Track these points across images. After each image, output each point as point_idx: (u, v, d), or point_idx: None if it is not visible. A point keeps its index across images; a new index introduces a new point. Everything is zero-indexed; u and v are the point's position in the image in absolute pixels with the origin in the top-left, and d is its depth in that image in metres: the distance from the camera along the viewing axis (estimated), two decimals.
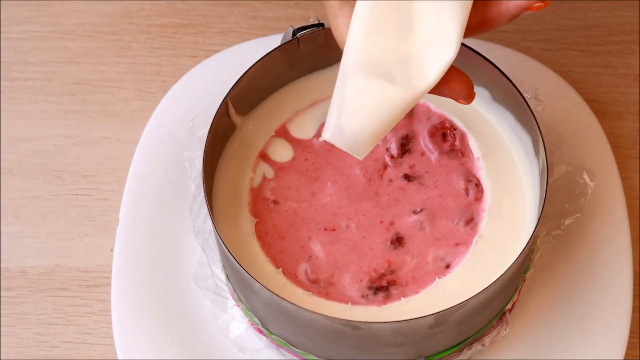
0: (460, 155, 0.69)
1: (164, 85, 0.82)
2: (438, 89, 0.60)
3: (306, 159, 0.69)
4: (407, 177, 0.68)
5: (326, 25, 0.69)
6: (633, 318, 0.70)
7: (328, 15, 0.61)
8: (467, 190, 0.67)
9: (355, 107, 0.59)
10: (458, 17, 0.58)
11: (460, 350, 0.66)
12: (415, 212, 0.67)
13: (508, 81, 0.67)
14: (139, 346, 0.69)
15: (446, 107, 0.70)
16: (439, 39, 0.58)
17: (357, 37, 0.59)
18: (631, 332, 0.70)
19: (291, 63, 0.71)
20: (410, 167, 0.69)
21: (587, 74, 0.82)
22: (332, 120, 0.60)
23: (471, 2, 0.58)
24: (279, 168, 0.69)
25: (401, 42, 0.59)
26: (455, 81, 0.60)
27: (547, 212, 0.69)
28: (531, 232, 0.64)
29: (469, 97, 0.60)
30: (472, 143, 0.69)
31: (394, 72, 0.59)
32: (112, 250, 0.73)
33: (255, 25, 0.84)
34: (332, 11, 0.60)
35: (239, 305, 0.68)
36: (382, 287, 0.65)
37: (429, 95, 0.70)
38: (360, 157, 0.60)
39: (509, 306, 0.67)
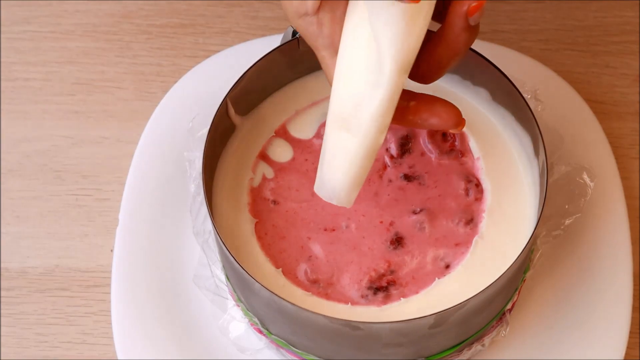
0: (460, 156, 0.69)
1: (164, 85, 0.82)
2: (422, 124, 0.61)
3: (306, 159, 0.69)
4: (407, 177, 0.68)
5: None
6: (633, 318, 0.70)
7: (321, 65, 0.62)
8: (467, 190, 0.67)
9: (329, 160, 0.61)
10: (392, 57, 0.58)
11: (460, 351, 0.66)
12: (415, 213, 0.67)
13: (508, 81, 0.67)
14: (139, 346, 0.69)
15: None
16: (372, 82, 0.59)
17: (333, 89, 0.60)
18: (631, 332, 0.70)
19: (291, 63, 0.71)
20: (410, 168, 0.69)
21: (587, 74, 0.82)
22: (318, 174, 0.62)
23: (415, 48, 0.58)
24: (278, 168, 0.69)
25: (361, 91, 0.60)
26: (439, 112, 0.61)
27: (547, 212, 0.69)
28: (531, 233, 0.64)
29: (458, 124, 0.61)
30: (472, 143, 0.69)
31: (350, 122, 0.60)
32: (112, 251, 0.73)
33: (255, 25, 0.84)
34: (324, 61, 0.62)
35: (238, 306, 0.68)
36: (382, 287, 0.65)
37: None
38: (347, 206, 0.62)
39: (508, 306, 0.67)
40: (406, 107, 0.61)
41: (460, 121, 0.61)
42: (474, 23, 0.58)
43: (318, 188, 0.63)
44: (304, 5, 0.60)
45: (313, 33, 0.61)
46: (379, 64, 0.58)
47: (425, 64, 0.60)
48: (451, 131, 0.61)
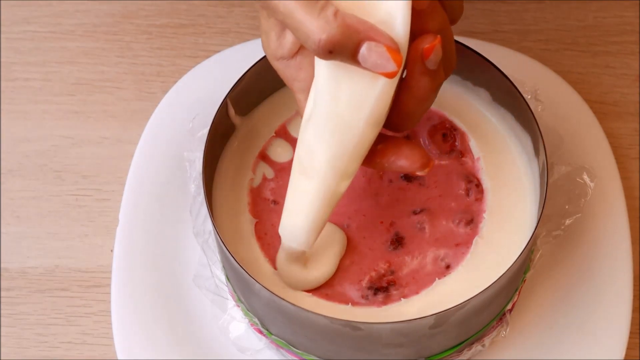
0: (460, 156, 0.69)
1: (164, 85, 0.82)
2: (390, 167, 0.60)
3: None
4: (407, 178, 0.68)
5: None
6: (633, 318, 0.70)
7: (297, 106, 0.62)
8: (467, 190, 0.67)
9: (290, 203, 0.62)
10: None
11: (461, 351, 0.66)
12: (415, 213, 0.67)
13: (508, 81, 0.67)
14: (139, 346, 0.69)
15: (446, 108, 0.70)
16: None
17: (300, 133, 0.60)
18: (631, 332, 0.70)
19: None
20: None
21: (587, 74, 0.82)
22: (282, 215, 0.62)
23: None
24: (279, 168, 0.69)
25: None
26: (406, 155, 0.60)
27: (547, 212, 0.69)
28: (531, 233, 0.64)
29: (425, 166, 0.60)
30: (472, 143, 0.69)
31: (308, 168, 0.60)
32: (112, 251, 0.73)
33: (255, 25, 0.84)
34: (300, 104, 0.61)
35: (238, 306, 0.68)
36: (382, 287, 0.65)
37: None
38: (306, 249, 0.62)
39: (509, 306, 0.67)
40: (374, 150, 0.60)
41: (427, 163, 0.60)
42: (432, 66, 0.57)
43: (281, 229, 0.63)
44: (281, 49, 0.60)
45: (290, 76, 0.61)
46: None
47: (395, 113, 0.59)
48: (418, 173, 0.60)
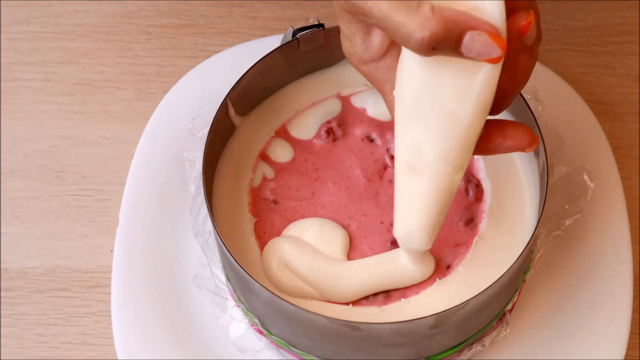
0: None
1: (164, 85, 0.82)
2: (497, 149, 0.59)
3: (306, 160, 0.69)
4: None
5: (326, 27, 0.69)
6: (633, 318, 0.70)
7: (387, 106, 0.61)
8: (467, 190, 0.67)
9: (402, 205, 0.60)
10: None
11: (461, 351, 0.66)
12: None
13: None
14: (139, 346, 0.69)
15: None
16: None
17: (396, 132, 0.59)
18: (631, 332, 0.70)
19: (291, 63, 0.71)
20: None
21: (587, 74, 0.82)
22: (395, 217, 0.61)
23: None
24: (279, 168, 0.69)
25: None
26: (512, 135, 0.59)
27: (547, 212, 0.69)
28: (531, 233, 0.64)
29: (532, 143, 0.59)
30: None
31: (416, 164, 0.58)
32: (112, 251, 0.73)
33: (255, 25, 0.84)
34: (391, 105, 0.60)
35: (238, 306, 0.68)
36: None
37: None
38: (425, 249, 0.61)
39: (509, 307, 0.67)
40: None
41: (533, 140, 0.59)
42: (529, 43, 0.56)
43: (396, 231, 0.61)
44: (368, 52, 0.59)
45: (380, 78, 0.60)
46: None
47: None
48: (526, 151, 0.59)
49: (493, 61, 0.54)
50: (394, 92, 0.58)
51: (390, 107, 0.60)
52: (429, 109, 0.57)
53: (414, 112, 0.57)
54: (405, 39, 0.54)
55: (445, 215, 0.60)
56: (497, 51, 0.54)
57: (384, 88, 0.60)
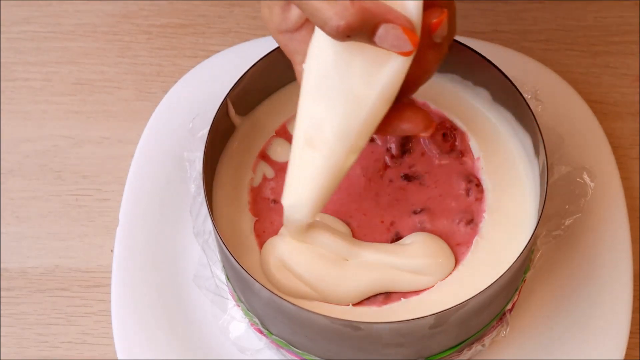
0: (460, 156, 0.69)
1: (164, 85, 0.82)
2: (394, 131, 0.60)
3: None
4: (407, 177, 0.68)
5: None
6: (633, 318, 0.70)
7: (297, 77, 0.62)
8: (467, 190, 0.67)
9: (293, 175, 0.62)
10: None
11: (461, 351, 0.66)
12: (415, 213, 0.67)
13: (508, 81, 0.67)
14: (139, 346, 0.69)
15: (446, 107, 0.70)
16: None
17: (300, 104, 0.60)
18: (631, 332, 0.70)
19: (291, 63, 0.71)
20: (411, 167, 0.69)
21: (587, 74, 0.82)
22: (285, 185, 0.62)
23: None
24: (279, 168, 0.69)
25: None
26: (409, 118, 0.60)
27: (547, 212, 0.69)
28: (531, 233, 0.64)
29: (428, 127, 0.60)
30: (472, 143, 0.69)
31: (314, 138, 0.60)
32: (112, 251, 0.73)
33: (255, 25, 0.84)
34: (300, 75, 0.61)
35: (239, 306, 0.68)
36: None
37: (428, 95, 0.70)
38: (305, 220, 0.62)
39: (509, 306, 0.67)
40: None
41: (429, 124, 0.60)
42: (438, 40, 0.58)
43: (284, 199, 0.63)
44: (285, 23, 0.60)
45: (293, 49, 0.61)
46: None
47: None
48: (422, 135, 0.61)
49: (404, 54, 0.56)
50: (304, 65, 0.60)
51: (299, 78, 0.61)
52: (336, 88, 0.58)
53: (321, 88, 0.59)
54: (321, 24, 0.55)
55: (332, 193, 0.61)
56: (409, 46, 0.55)
57: (295, 59, 0.61)
